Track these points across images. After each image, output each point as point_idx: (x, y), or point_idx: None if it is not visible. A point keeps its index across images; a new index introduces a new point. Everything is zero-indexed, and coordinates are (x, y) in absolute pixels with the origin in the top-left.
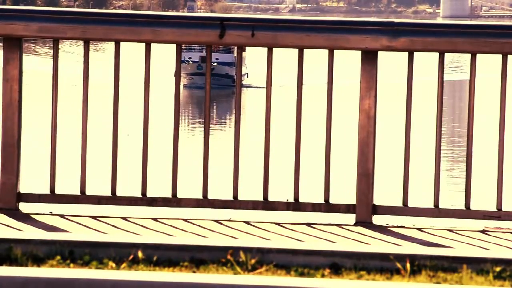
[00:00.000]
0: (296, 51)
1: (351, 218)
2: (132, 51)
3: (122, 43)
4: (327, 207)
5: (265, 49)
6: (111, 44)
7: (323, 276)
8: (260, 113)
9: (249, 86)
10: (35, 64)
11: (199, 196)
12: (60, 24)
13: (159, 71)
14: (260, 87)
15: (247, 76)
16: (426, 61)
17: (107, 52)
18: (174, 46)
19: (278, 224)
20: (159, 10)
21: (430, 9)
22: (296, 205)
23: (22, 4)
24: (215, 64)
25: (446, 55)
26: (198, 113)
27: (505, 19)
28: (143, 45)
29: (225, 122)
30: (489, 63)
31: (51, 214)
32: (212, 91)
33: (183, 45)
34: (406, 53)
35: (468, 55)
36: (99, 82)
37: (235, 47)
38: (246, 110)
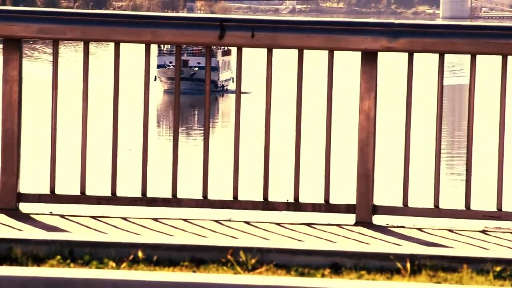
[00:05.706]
0: (291, 53)
1: (351, 218)
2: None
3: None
4: (327, 207)
5: (254, 52)
6: (102, 49)
7: (323, 276)
8: (248, 118)
9: (234, 92)
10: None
11: (199, 196)
12: (60, 25)
13: (138, 74)
14: (246, 92)
15: (233, 81)
16: (428, 63)
17: (98, 56)
18: (154, 47)
19: (278, 224)
20: (158, 11)
21: (430, 10)
22: (296, 205)
23: (22, 5)
24: (196, 68)
25: (448, 56)
26: (181, 118)
27: (505, 20)
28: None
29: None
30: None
31: (51, 214)
32: (193, 97)
33: (165, 49)
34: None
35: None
36: (95, 84)
37: (219, 51)
38: (232, 115)
